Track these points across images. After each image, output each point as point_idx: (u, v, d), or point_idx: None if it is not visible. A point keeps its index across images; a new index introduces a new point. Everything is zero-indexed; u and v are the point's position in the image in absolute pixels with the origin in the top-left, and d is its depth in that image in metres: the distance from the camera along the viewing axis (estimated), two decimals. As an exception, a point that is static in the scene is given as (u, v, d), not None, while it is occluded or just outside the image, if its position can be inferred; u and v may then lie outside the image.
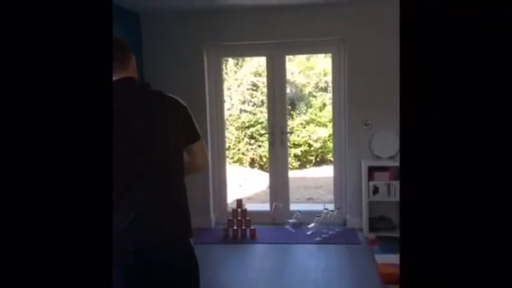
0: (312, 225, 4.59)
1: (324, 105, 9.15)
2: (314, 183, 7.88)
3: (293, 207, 5.21)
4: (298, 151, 8.85)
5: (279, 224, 4.86)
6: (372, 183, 4.40)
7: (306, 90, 9.47)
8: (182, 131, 1.74)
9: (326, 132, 8.76)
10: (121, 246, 1.47)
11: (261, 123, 8.73)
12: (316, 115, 9.17)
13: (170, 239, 1.69)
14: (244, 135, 8.99)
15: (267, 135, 5.29)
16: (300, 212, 4.78)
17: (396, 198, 4.35)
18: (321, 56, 8.55)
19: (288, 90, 6.12)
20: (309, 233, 4.54)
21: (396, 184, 4.33)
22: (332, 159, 5.40)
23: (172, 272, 1.68)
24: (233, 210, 4.65)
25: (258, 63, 8.79)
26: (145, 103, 1.70)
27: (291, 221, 4.77)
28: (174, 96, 1.76)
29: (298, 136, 8.91)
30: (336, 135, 4.92)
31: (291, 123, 8.50)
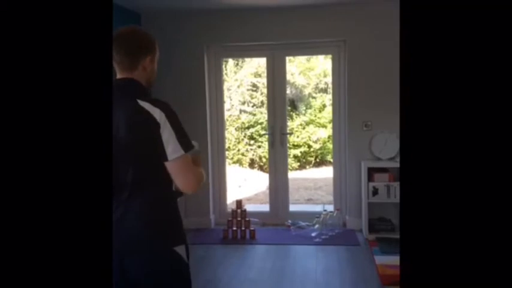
0: (317, 226, 4.59)
1: (324, 106, 9.15)
2: (314, 184, 7.87)
3: (292, 208, 5.21)
4: (297, 152, 8.85)
5: (278, 224, 4.87)
6: (371, 184, 4.40)
7: (306, 91, 9.47)
8: (153, 147, 1.58)
9: (326, 133, 8.76)
10: None
11: (261, 123, 8.73)
12: (315, 116, 9.17)
13: (146, 244, 1.62)
14: (244, 136, 8.98)
15: (266, 136, 5.29)
16: (325, 210, 4.74)
17: (396, 199, 4.35)
18: (321, 57, 8.55)
19: (287, 91, 6.11)
20: (314, 234, 4.54)
21: (396, 185, 4.33)
22: (332, 160, 5.40)
23: (149, 278, 1.62)
24: (233, 210, 4.65)
25: (258, 64, 8.79)
26: (123, 111, 1.57)
27: (302, 223, 4.78)
28: (149, 110, 1.57)
29: (297, 137, 8.91)
30: (335, 136, 4.92)
31: (290, 124, 8.50)
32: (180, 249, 1.65)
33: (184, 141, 1.60)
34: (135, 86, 1.65)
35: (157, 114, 1.56)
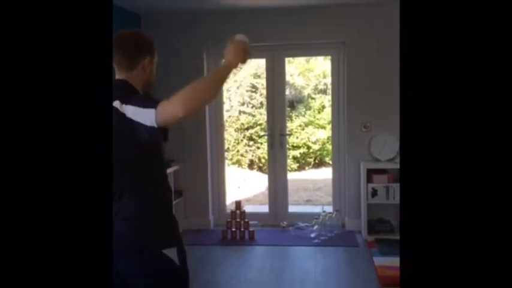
0: (316, 227, 4.60)
1: (323, 107, 9.14)
2: (313, 185, 7.87)
3: (291, 209, 5.21)
4: (297, 153, 8.84)
5: (277, 225, 4.87)
6: (370, 185, 4.40)
7: (305, 92, 9.47)
8: (138, 142, 1.54)
9: (325, 134, 8.76)
10: None
11: (260, 124, 8.72)
12: (315, 117, 9.17)
13: (136, 246, 1.61)
14: (243, 137, 8.97)
15: (266, 137, 5.29)
16: (324, 211, 4.75)
17: (395, 200, 4.35)
18: (320, 58, 8.55)
19: (287, 92, 6.11)
20: (313, 235, 4.54)
21: (395, 186, 4.33)
22: (331, 161, 5.40)
23: (139, 282, 1.62)
24: (232, 211, 4.65)
25: (257, 64, 8.78)
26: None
27: (301, 224, 4.80)
28: (117, 107, 1.54)
29: (297, 138, 8.90)
30: (334, 138, 4.93)
31: (290, 125, 8.49)
32: (171, 252, 1.63)
33: (148, 104, 1.50)
34: (123, 88, 1.64)
35: (118, 104, 1.53)
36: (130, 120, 1.51)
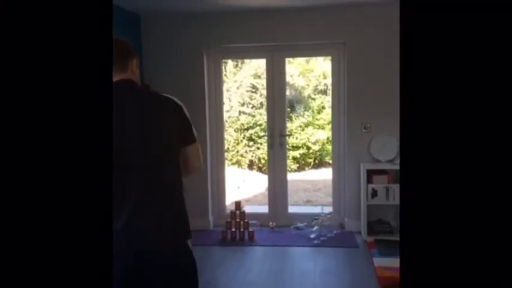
0: (315, 228, 4.60)
1: (323, 107, 9.14)
2: (312, 186, 7.87)
3: (291, 209, 5.21)
4: (296, 153, 8.84)
5: (276, 226, 4.87)
6: (370, 186, 4.40)
7: (305, 93, 9.47)
8: (178, 132, 1.72)
9: (325, 134, 8.75)
10: (116, 246, 1.46)
11: (260, 125, 8.72)
12: (314, 117, 9.17)
13: (164, 240, 1.68)
14: (243, 137, 8.97)
15: (266, 137, 5.29)
16: (324, 212, 4.75)
17: (395, 201, 4.35)
18: (320, 58, 8.55)
19: (287, 93, 6.11)
20: (312, 235, 4.54)
21: (395, 187, 4.33)
22: (331, 162, 5.40)
23: (168, 274, 1.67)
24: (231, 212, 4.65)
25: (257, 65, 8.78)
26: (141, 104, 1.69)
27: (300, 225, 4.82)
28: (170, 97, 1.75)
29: (296, 139, 8.90)
30: (334, 138, 4.93)
31: (289, 126, 8.49)
32: (189, 243, 1.76)
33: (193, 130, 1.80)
34: (136, 84, 1.76)
35: (179, 101, 1.76)
36: (188, 126, 1.78)
